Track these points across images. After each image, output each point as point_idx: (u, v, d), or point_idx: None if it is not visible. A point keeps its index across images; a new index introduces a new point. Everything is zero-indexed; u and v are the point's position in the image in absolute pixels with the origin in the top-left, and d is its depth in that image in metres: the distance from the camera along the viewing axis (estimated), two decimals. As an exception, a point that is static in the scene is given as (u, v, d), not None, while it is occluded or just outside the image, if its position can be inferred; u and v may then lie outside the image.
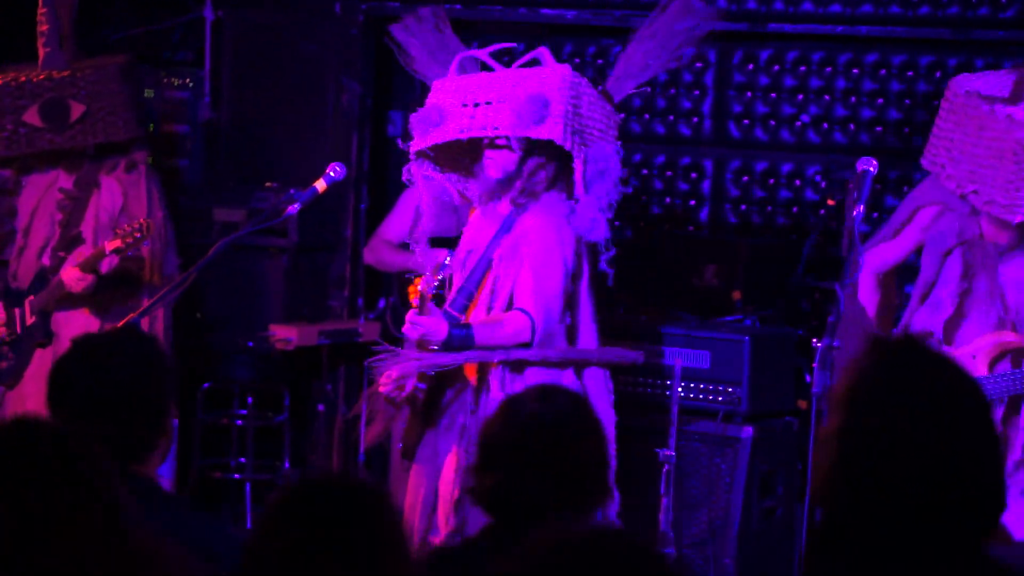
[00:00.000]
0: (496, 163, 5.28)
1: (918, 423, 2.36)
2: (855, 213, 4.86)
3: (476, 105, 5.26)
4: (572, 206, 5.24)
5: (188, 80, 7.67)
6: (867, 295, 5.27)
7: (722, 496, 6.12)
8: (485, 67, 5.49)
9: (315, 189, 5.30)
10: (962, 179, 5.01)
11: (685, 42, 5.49)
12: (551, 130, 5.13)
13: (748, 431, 6.07)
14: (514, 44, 5.88)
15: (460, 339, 5.11)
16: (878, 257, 5.30)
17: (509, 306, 5.23)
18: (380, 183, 7.81)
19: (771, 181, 7.11)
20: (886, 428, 2.37)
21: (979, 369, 5.04)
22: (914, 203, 5.30)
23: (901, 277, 5.72)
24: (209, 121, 7.75)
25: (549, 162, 5.27)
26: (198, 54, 7.82)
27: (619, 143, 5.31)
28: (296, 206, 5.23)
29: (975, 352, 5.10)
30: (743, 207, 7.16)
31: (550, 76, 5.24)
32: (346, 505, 2.39)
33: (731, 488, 6.12)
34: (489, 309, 5.24)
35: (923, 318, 5.22)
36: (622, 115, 5.41)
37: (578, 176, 5.19)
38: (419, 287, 5.10)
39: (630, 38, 5.54)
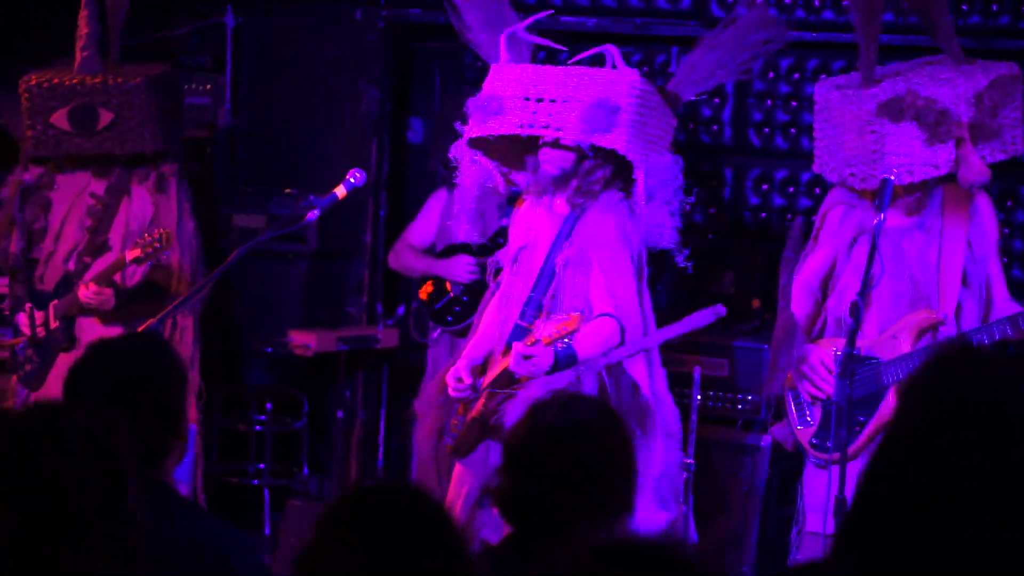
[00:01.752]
0: (554, 161, 5.22)
1: (964, 424, 2.35)
2: (876, 222, 4.87)
3: (539, 101, 5.19)
4: (631, 205, 5.20)
5: (208, 86, 7.66)
6: (799, 305, 5.37)
7: (741, 504, 6.11)
8: (549, 55, 5.40)
9: (335, 195, 5.28)
10: (840, 168, 5.28)
11: (756, 55, 5.45)
12: (615, 140, 5.08)
13: (767, 439, 6.06)
14: (564, 49, 5.81)
15: (566, 359, 5.08)
16: (806, 269, 5.41)
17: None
18: (399, 189, 7.80)
19: (791, 189, 7.08)
20: (930, 429, 2.35)
21: (903, 348, 5.17)
22: (823, 211, 5.48)
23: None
24: (229, 127, 7.76)
25: (606, 163, 5.21)
26: (217, 60, 7.82)
27: (674, 152, 5.27)
28: (315, 212, 5.22)
29: (896, 333, 5.21)
30: (763, 215, 7.13)
31: (618, 81, 5.17)
32: (405, 514, 2.37)
33: (750, 496, 6.10)
34: (548, 315, 5.19)
35: (832, 306, 5.33)
36: (675, 122, 5.37)
37: (640, 187, 5.13)
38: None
39: (695, 44, 5.49)
